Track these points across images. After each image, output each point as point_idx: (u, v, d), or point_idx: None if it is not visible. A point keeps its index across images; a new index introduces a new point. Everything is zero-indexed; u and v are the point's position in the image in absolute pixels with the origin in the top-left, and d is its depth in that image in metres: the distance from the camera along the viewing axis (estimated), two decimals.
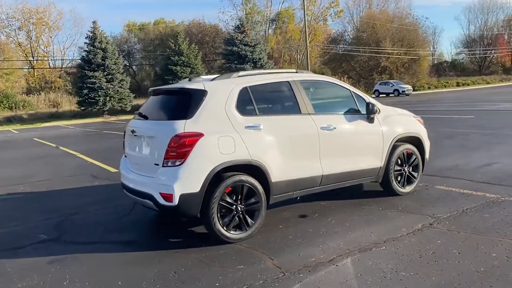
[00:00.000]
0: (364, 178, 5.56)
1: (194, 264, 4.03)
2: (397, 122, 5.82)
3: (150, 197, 4.41)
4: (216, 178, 4.33)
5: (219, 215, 4.36)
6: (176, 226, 5.29)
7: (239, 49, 37.05)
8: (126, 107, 33.52)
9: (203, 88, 4.57)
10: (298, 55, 60.90)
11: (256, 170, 4.58)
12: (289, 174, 4.82)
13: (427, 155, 6.17)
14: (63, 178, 8.61)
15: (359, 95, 5.62)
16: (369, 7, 63.63)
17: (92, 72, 31.64)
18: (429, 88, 52.70)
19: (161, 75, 37.36)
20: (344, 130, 5.26)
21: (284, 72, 5.35)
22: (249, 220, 4.54)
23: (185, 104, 4.50)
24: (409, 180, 5.90)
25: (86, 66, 32.18)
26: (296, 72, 5.39)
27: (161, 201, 4.31)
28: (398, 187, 5.78)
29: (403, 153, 5.78)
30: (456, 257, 3.82)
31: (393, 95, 42.72)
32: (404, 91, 42.16)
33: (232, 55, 37.58)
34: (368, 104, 5.48)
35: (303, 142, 4.96)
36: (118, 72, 33.14)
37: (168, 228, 5.26)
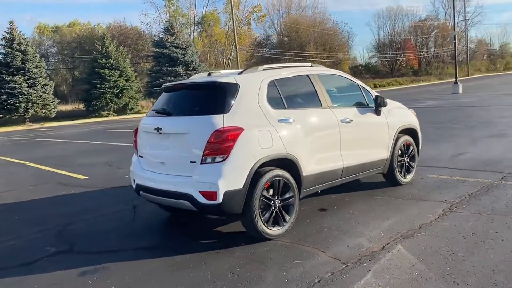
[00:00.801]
0: (374, 169, 5.71)
1: (246, 263, 3.86)
2: (398, 114, 6.06)
3: (187, 197, 4.16)
4: (256, 173, 4.20)
5: (260, 211, 4.23)
6: (197, 227, 5.05)
7: (170, 52, 36.19)
8: (50, 114, 31.15)
9: (235, 82, 4.41)
10: (224, 59, 61.11)
11: (289, 164, 4.51)
12: (317, 168, 4.81)
13: (420, 146, 6.50)
14: (28, 188, 7.79)
15: (366, 88, 5.77)
16: (288, 13, 65.72)
17: (10, 77, 28.98)
18: None
19: (86, 79, 35.32)
20: (358, 123, 5.36)
21: (300, 66, 5.34)
22: (285, 215, 4.46)
23: (219, 98, 4.31)
24: (408, 170, 6.17)
25: (3, 70, 29.40)
26: (311, 66, 5.40)
27: (202, 200, 4.08)
28: (400, 177, 6.02)
29: (403, 144, 6.03)
30: (497, 236, 4.05)
31: None
32: None
33: (162, 57, 36.60)
34: (377, 97, 5.64)
35: (327, 135, 4.98)
36: (41, 76, 30.67)
37: (189, 230, 5.00)
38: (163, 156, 4.50)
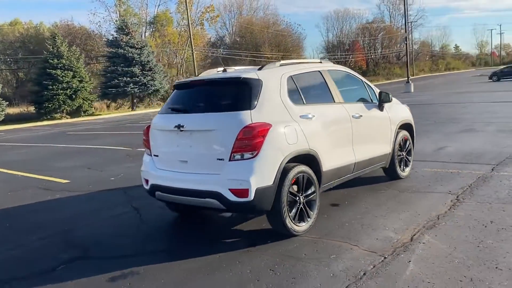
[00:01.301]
0: (379, 164, 5.82)
1: (282, 260, 3.80)
2: (397, 109, 6.22)
3: (215, 195, 4.04)
4: (284, 169, 4.16)
5: (288, 207, 4.20)
6: (212, 228, 4.94)
7: (125, 51, 35.27)
8: None
9: (258, 77, 4.34)
10: (178, 59, 60.23)
11: (311, 160, 4.51)
12: (334, 163, 4.83)
13: (415, 140, 6.71)
14: (7, 194, 7.28)
15: (369, 84, 5.88)
16: (240, 14, 66.00)
17: None
18: None
19: (36, 80, 33.61)
20: (367, 118, 5.45)
21: (311, 62, 5.35)
22: (309, 211, 4.45)
23: (244, 94, 4.22)
24: (406, 164, 6.35)
25: None
26: (321, 62, 5.42)
27: (232, 197, 3.98)
28: (400, 171, 6.18)
29: (402, 139, 6.20)
30: None
31: None
32: None
33: (117, 57, 35.60)
34: (380, 93, 5.76)
35: (342, 130, 5.03)
36: None
37: (205, 231, 4.87)
38: (185, 155, 4.35)
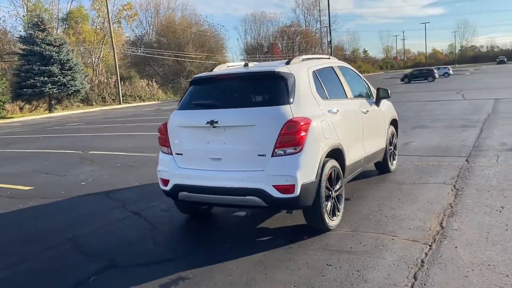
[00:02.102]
0: (378, 158, 6.01)
1: (333, 255, 3.76)
2: (387, 106, 6.48)
3: (257, 192, 3.90)
4: (323, 164, 4.14)
5: (325, 202, 4.18)
6: (233, 228, 4.77)
7: (41, 49, 32.72)
8: None
9: (290, 72, 4.26)
10: (94, 59, 57.20)
11: (339, 155, 4.53)
12: (353, 157, 4.91)
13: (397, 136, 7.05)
14: None
15: (366, 81, 6.06)
16: (157, 13, 64.54)
17: None
18: None
19: None
20: (371, 114, 5.61)
21: (322, 58, 5.36)
22: (339, 205, 4.48)
23: (281, 88, 4.12)
24: (393, 158, 6.64)
25: None
26: (329, 58, 5.47)
27: (276, 194, 3.87)
28: (390, 165, 6.46)
29: (391, 134, 6.48)
30: None
31: None
32: None
33: (32, 55, 32.93)
34: (379, 89, 5.96)
35: (356, 125, 5.12)
36: None
37: (229, 232, 4.71)
38: (219, 152, 4.13)
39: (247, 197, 3.98)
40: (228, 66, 5.06)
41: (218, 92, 4.48)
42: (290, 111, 3.96)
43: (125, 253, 4.15)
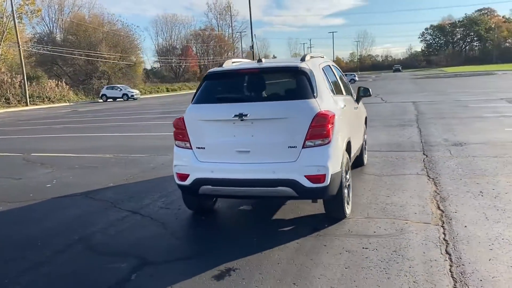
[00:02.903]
0: (358, 152, 6.40)
1: (362, 240, 3.99)
2: (361, 104, 6.92)
3: (289, 183, 4.02)
4: (342, 155, 4.37)
5: (345, 191, 4.42)
6: (245, 221, 4.83)
7: None
8: None
9: (309, 67, 4.44)
10: None
11: (348, 147, 4.79)
12: (353, 151, 5.21)
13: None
14: None
15: (346, 79, 6.43)
16: (61, 10, 60.89)
17: None
18: (145, 93, 54.79)
19: None
20: (358, 110, 5.98)
21: (318, 56, 5.57)
22: (350, 194, 4.75)
23: (305, 83, 4.27)
24: (365, 153, 7.11)
25: None
26: (323, 57, 5.71)
27: (307, 184, 4.02)
28: (364, 160, 6.92)
29: (364, 130, 6.94)
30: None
31: (121, 99, 42.73)
32: (133, 95, 42.85)
33: None
34: (359, 88, 6.36)
35: (353, 120, 5.45)
36: None
37: (244, 226, 4.74)
38: (246, 144, 4.15)
39: (278, 187, 4.07)
40: (232, 62, 5.09)
41: (246, 86, 4.51)
42: (317, 104, 4.14)
43: (152, 250, 4.00)
